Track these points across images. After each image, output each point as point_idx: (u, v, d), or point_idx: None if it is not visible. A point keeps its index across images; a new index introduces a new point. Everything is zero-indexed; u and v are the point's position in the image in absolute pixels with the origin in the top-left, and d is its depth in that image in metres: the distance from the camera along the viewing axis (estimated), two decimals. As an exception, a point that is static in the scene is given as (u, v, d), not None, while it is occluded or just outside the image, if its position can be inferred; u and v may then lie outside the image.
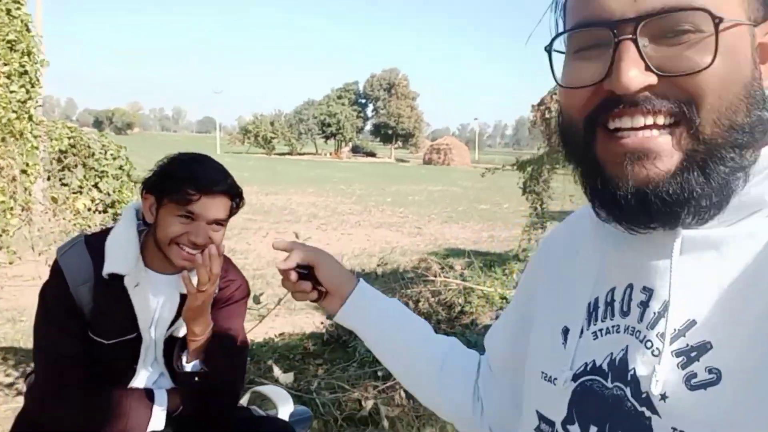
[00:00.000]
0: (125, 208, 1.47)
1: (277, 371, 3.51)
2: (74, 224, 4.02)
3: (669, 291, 0.55)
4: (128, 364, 1.45)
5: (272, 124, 64.44)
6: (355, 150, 73.41)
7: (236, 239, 9.96)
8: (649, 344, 0.56)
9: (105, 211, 4.21)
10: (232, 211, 1.43)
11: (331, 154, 66.54)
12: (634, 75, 0.51)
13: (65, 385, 1.38)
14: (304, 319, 5.55)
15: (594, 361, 0.62)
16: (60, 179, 4.20)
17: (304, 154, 66.40)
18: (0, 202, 3.33)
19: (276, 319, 5.53)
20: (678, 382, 0.53)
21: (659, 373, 0.53)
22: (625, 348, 0.59)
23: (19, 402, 2.24)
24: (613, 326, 0.62)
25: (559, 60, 0.61)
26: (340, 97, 71.33)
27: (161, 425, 1.41)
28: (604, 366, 0.61)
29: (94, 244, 1.40)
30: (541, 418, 0.69)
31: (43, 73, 3.84)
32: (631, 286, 0.60)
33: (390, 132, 70.72)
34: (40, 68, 3.67)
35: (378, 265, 6.00)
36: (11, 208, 3.52)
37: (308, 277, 0.91)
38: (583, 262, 0.69)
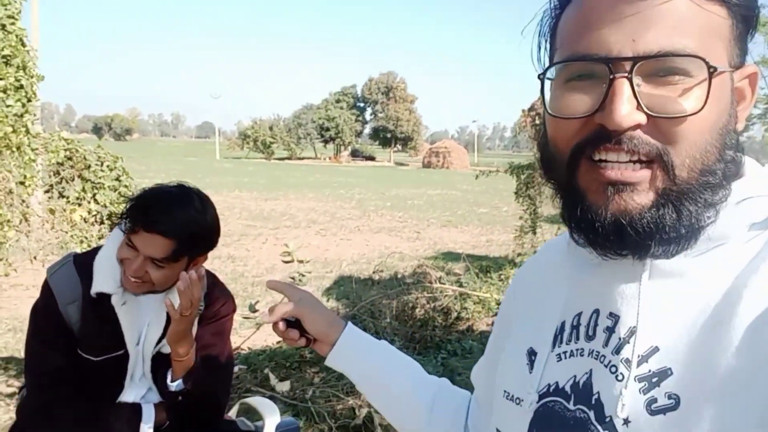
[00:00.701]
0: (114, 229, 1.51)
1: (273, 379, 3.53)
2: (71, 236, 4.04)
3: (637, 317, 0.57)
4: (116, 380, 1.49)
5: (271, 128, 64.40)
6: (355, 154, 73.43)
7: (235, 246, 9.97)
8: (613, 369, 0.58)
9: (102, 223, 4.24)
10: (180, 257, 1.40)
11: (330, 158, 66.55)
12: (627, 113, 0.52)
13: (54, 400, 1.41)
14: (302, 326, 5.57)
15: (557, 382, 0.64)
16: (58, 191, 4.23)
17: (303, 158, 66.40)
18: (-3, 215, 3.35)
19: (274, 326, 5.55)
20: (640, 407, 0.54)
21: (625, 397, 0.55)
22: (589, 372, 0.61)
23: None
24: (577, 349, 0.63)
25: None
26: (338, 101, 71.34)
27: None
28: (567, 388, 0.63)
29: (83, 263, 1.44)
30: None
31: (38, 86, 3.87)
32: (597, 312, 0.62)
33: (389, 135, 70.72)
34: (35, 82, 3.70)
35: (374, 272, 6.02)
36: (8, 221, 3.55)
37: (296, 324, 0.93)
38: (552, 287, 0.71)
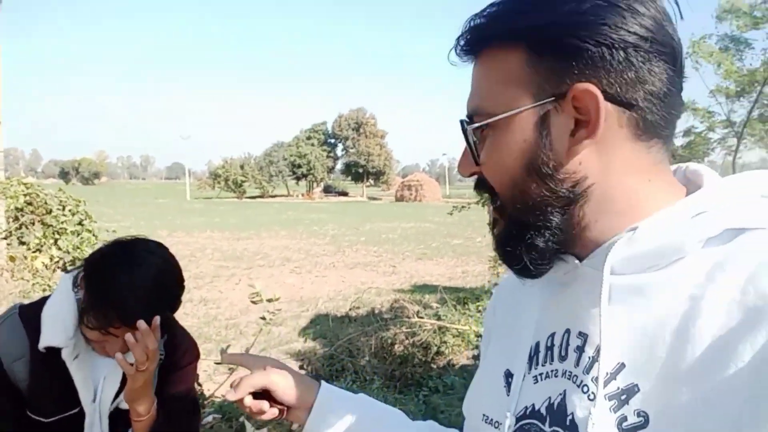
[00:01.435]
0: (62, 277, 1.40)
1: (249, 428, 3.38)
2: (33, 284, 3.87)
3: (600, 335, 0.57)
4: None
5: (242, 167, 64.20)
6: (327, 190, 73.58)
7: (208, 287, 9.77)
8: (585, 388, 0.58)
9: (65, 269, 4.07)
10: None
11: (303, 195, 66.47)
12: (463, 165, 0.66)
13: None
14: (278, 368, 5.41)
15: (533, 404, 0.64)
16: (18, 238, 4.06)
17: (275, 196, 66.19)
18: (-47, 266, 3.19)
19: (250, 369, 5.38)
20: (611, 426, 0.55)
21: (595, 416, 0.55)
22: (563, 392, 0.61)
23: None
24: (552, 370, 0.64)
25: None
26: (309, 138, 71.76)
27: None
28: (542, 410, 0.63)
29: (29, 316, 1.33)
30: None
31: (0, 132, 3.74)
32: (568, 332, 0.63)
33: (360, 170, 71.22)
34: (-5, 127, 3.58)
35: (350, 309, 5.93)
36: (-35, 271, 3.37)
37: (264, 395, 0.86)
38: (525, 307, 0.72)
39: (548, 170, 0.59)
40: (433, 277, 10.72)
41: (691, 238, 0.56)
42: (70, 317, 1.30)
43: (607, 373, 0.56)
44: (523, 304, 0.73)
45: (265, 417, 0.87)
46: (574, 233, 0.61)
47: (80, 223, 4.17)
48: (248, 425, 3.37)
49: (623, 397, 0.55)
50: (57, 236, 4.01)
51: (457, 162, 0.67)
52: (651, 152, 0.59)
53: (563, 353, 0.63)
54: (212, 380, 4.65)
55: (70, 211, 4.10)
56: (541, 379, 0.65)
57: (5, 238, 4.13)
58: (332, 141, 74.22)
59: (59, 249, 4.01)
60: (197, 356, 1.55)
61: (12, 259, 4.02)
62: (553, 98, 0.58)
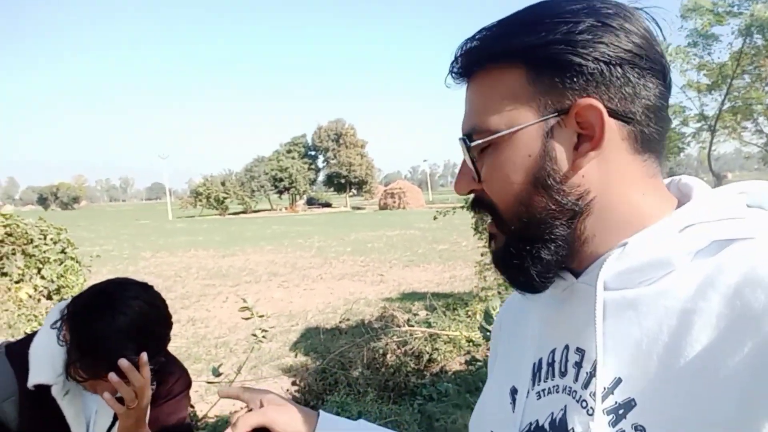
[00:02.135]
0: (49, 312, 1.39)
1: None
2: (18, 315, 3.81)
3: (596, 350, 0.58)
4: None
5: (223, 184, 63.80)
6: (310, 202, 73.35)
7: (195, 307, 9.69)
8: (584, 404, 0.59)
9: (50, 298, 4.02)
10: None
11: (286, 208, 66.18)
12: (461, 183, 0.67)
13: None
14: (272, 385, 5.38)
15: (537, 420, 0.65)
16: (-1, 269, 4.00)
17: (258, 211, 65.79)
18: (-66, 301, 3.13)
19: (242, 388, 5.34)
20: None
21: (593, 431, 0.56)
22: (564, 408, 0.62)
23: None
24: (553, 386, 0.65)
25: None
26: (289, 151, 71.49)
27: None
28: (546, 426, 0.63)
29: (16, 353, 1.31)
30: None
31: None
32: (567, 347, 0.64)
33: (343, 181, 71.11)
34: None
35: (340, 322, 5.91)
36: (-53, 306, 3.32)
37: (262, 430, 0.84)
38: (527, 323, 0.73)
39: (554, 183, 0.60)
40: (421, 284, 10.75)
41: (679, 251, 0.57)
42: (58, 353, 1.28)
43: (604, 388, 0.57)
44: (526, 320, 0.74)
45: None
46: (575, 247, 0.62)
47: (63, 251, 4.12)
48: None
49: (621, 412, 0.56)
50: (40, 266, 3.96)
51: (454, 182, 0.68)
52: (646, 165, 0.61)
53: (563, 369, 0.64)
54: (204, 401, 4.60)
55: (51, 239, 4.05)
56: (544, 395, 0.65)
57: (-14, 271, 4.07)
58: (313, 153, 74.01)
59: (43, 278, 3.96)
60: (189, 384, 1.53)
61: (-5, 290, 3.96)
62: (556, 114, 0.60)
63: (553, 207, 0.60)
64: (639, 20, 0.60)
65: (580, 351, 0.62)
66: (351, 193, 74.23)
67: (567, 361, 0.64)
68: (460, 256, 14.26)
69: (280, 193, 70.99)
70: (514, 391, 0.70)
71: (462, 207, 7.06)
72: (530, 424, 0.66)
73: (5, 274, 3.98)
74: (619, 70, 0.58)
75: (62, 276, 4.01)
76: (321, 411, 0.91)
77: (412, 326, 5.10)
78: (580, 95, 0.59)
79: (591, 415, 0.57)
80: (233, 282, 12.28)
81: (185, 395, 1.51)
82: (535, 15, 0.61)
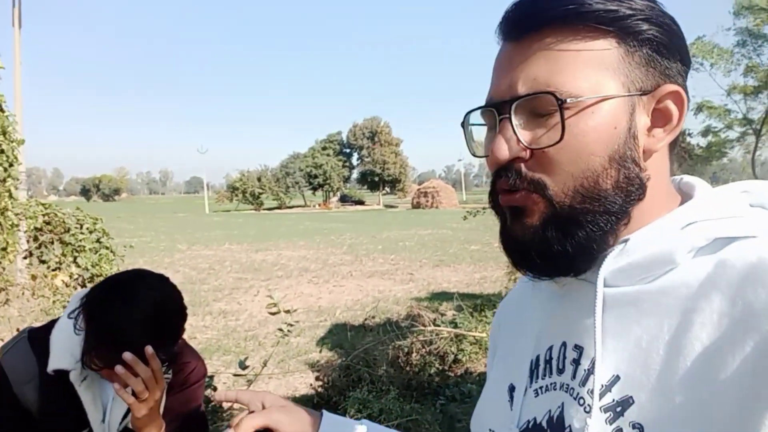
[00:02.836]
0: (71, 298, 1.43)
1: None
2: (54, 301, 3.95)
3: (594, 347, 0.58)
4: None
5: (259, 179, 64.72)
6: (344, 199, 73.74)
7: (227, 300, 9.85)
8: (581, 401, 0.59)
9: (84, 286, 4.15)
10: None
11: (319, 205, 66.75)
12: (504, 149, 0.59)
13: None
14: (298, 379, 5.44)
15: (535, 418, 0.65)
16: (38, 257, 4.15)
17: (293, 207, 66.56)
18: (-24, 285, 3.27)
19: (270, 381, 5.41)
20: None
21: (591, 428, 0.56)
22: (561, 405, 0.61)
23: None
24: (551, 384, 0.64)
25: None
26: (324, 148, 72.11)
27: None
28: (544, 423, 0.63)
29: (39, 339, 1.35)
30: None
31: (20, 151, 3.84)
32: (565, 344, 0.64)
33: (376, 179, 71.32)
34: (16, 146, 3.67)
35: (366, 320, 5.92)
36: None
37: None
38: (526, 320, 0.73)
39: (630, 161, 0.59)
40: (450, 284, 10.68)
41: (681, 248, 0.56)
42: (78, 340, 1.31)
43: (602, 386, 0.57)
44: (525, 317, 0.73)
45: None
46: (613, 231, 0.60)
47: (98, 241, 4.25)
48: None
49: (618, 410, 0.55)
50: (76, 254, 4.10)
51: (492, 146, 0.60)
52: (671, 161, 0.63)
53: (561, 366, 0.63)
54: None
55: (87, 229, 4.18)
56: (542, 393, 0.65)
57: (26, 258, 4.22)
58: (347, 150, 74.49)
59: (78, 266, 4.10)
60: (205, 374, 1.56)
61: (33, 277, 4.11)
62: (640, 92, 0.59)
63: (623, 185, 0.58)
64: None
65: (579, 348, 0.61)
66: (384, 192, 74.38)
67: (565, 358, 0.63)
68: (491, 257, 14.12)
69: (315, 189, 71.63)
70: (512, 389, 0.70)
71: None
72: (528, 422, 0.65)
73: (43, 262, 4.14)
74: (685, 69, 0.62)
75: (97, 264, 4.13)
76: (324, 411, 0.91)
77: (438, 326, 5.08)
78: (666, 80, 0.59)
79: (588, 412, 0.57)
80: (265, 276, 12.44)
81: (200, 385, 1.54)
82: None
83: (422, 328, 4.95)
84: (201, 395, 1.55)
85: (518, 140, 0.59)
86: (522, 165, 0.60)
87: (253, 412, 0.87)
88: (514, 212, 0.61)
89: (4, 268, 3.71)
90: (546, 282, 0.65)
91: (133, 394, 1.25)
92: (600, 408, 0.56)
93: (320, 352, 6.15)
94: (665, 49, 0.59)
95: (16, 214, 3.70)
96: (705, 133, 9.77)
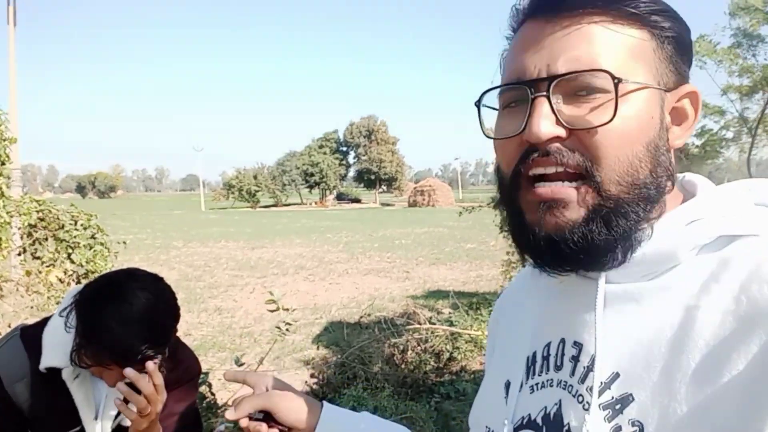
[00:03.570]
0: (65, 296, 1.42)
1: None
2: (48, 297, 3.94)
3: (594, 344, 0.57)
4: None
5: (255, 177, 64.56)
6: (340, 197, 73.68)
7: (222, 297, 9.85)
8: (580, 398, 0.58)
9: (79, 282, 4.13)
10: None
11: (316, 203, 66.66)
12: (544, 126, 0.55)
13: None
14: (293, 376, 5.43)
15: (530, 414, 0.64)
16: (32, 253, 4.14)
17: (289, 204, 66.47)
18: (-31, 281, 3.26)
19: (264, 378, 5.40)
20: None
21: (589, 425, 0.55)
22: (558, 402, 0.61)
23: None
24: (547, 380, 0.64)
25: (491, 114, 0.66)
26: (321, 147, 71.96)
27: None
28: (538, 420, 0.63)
29: (31, 336, 1.34)
30: None
31: (12, 149, 3.83)
32: (563, 341, 0.63)
33: (373, 177, 71.24)
34: (8, 145, 3.66)
35: (361, 317, 5.92)
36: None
37: (265, 415, 0.85)
38: (523, 317, 0.72)
39: (663, 153, 0.58)
40: (446, 282, 10.69)
41: (684, 245, 0.56)
42: (70, 338, 1.30)
43: (601, 383, 0.56)
44: (522, 314, 0.73)
45: None
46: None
47: (93, 237, 4.25)
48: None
49: (618, 407, 0.55)
50: (70, 250, 4.09)
51: (532, 123, 0.56)
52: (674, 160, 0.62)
53: (558, 363, 0.63)
54: (226, 389, 4.67)
55: (82, 225, 4.18)
56: (537, 389, 0.65)
57: (20, 254, 4.21)
58: (344, 149, 74.33)
59: (73, 263, 4.09)
60: (199, 372, 1.55)
61: (27, 273, 4.10)
62: (666, 88, 0.59)
63: (657, 174, 0.57)
64: None
65: (578, 345, 0.61)
66: (381, 190, 74.31)
67: (563, 355, 0.62)
68: (487, 255, 14.14)
69: (311, 187, 71.54)
70: (507, 385, 0.70)
71: (488, 205, 7.00)
72: (522, 418, 0.65)
73: (37, 258, 4.12)
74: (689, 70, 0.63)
75: (91, 261, 4.13)
76: (325, 402, 0.91)
77: (434, 324, 5.08)
78: (683, 80, 0.60)
79: (587, 410, 0.56)
80: (261, 274, 12.43)
81: (195, 383, 1.54)
82: None
83: (418, 326, 4.95)
84: (195, 393, 1.55)
85: (557, 119, 0.56)
86: (561, 145, 0.57)
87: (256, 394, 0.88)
88: (550, 204, 0.57)
89: (-3, 265, 3.69)
90: (545, 278, 0.63)
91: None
92: (599, 405, 0.56)
93: (316, 349, 6.15)
94: (683, 49, 0.60)
95: (8, 212, 3.70)
96: (701, 133, 9.76)
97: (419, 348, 4.67)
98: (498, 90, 0.64)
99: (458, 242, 17.96)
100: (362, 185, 76.65)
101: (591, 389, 0.56)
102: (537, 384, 0.65)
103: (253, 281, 11.43)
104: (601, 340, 0.57)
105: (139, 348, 1.21)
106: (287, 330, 4.21)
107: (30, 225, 4.09)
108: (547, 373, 0.64)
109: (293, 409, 0.86)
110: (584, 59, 0.55)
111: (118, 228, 21.08)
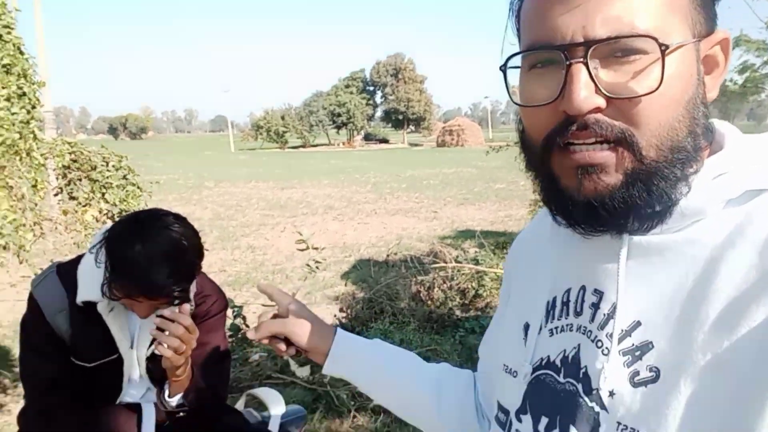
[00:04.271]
0: (96, 233, 1.48)
1: (293, 365, 3.54)
2: (85, 235, 4.10)
3: (617, 293, 0.58)
4: (114, 383, 1.48)
5: (283, 118, 64.45)
6: (368, 138, 73.28)
7: (254, 235, 10.06)
8: (599, 343, 0.60)
9: (114, 221, 4.28)
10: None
11: (343, 143, 66.55)
12: (585, 97, 0.52)
13: (53, 406, 1.41)
14: (324, 309, 5.60)
15: (549, 356, 0.66)
16: (68, 193, 4.28)
17: (317, 145, 66.46)
18: (12, 220, 3.39)
19: (296, 313, 5.59)
20: (623, 380, 0.57)
21: (608, 370, 0.57)
22: (577, 346, 0.63)
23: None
24: (567, 325, 0.65)
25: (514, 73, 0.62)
26: (347, 87, 71.10)
27: None
28: (557, 362, 0.65)
29: (67, 272, 1.43)
30: (500, 407, 0.74)
31: (41, 93, 3.89)
32: (584, 288, 0.64)
33: (401, 117, 70.40)
34: (37, 89, 3.72)
35: (388, 256, 6.00)
36: (23, 225, 3.59)
37: (285, 338, 0.94)
38: (543, 261, 0.73)
39: (699, 111, 0.56)
40: (474, 222, 10.69)
41: (711, 199, 0.56)
42: (101, 274, 1.37)
43: (622, 330, 0.58)
44: (542, 257, 0.73)
45: (284, 354, 0.94)
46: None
47: (125, 177, 4.36)
48: (292, 362, 3.52)
49: (637, 353, 0.56)
50: (104, 190, 4.23)
51: (576, 94, 0.52)
52: None
53: (578, 309, 0.64)
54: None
55: (113, 166, 4.29)
56: (557, 333, 0.66)
57: (56, 195, 4.36)
58: (371, 88, 73.32)
59: (107, 202, 4.24)
60: (226, 306, 1.64)
61: (65, 212, 4.25)
62: (700, 38, 0.56)
63: (695, 130, 0.55)
64: None
65: (598, 292, 0.62)
66: (409, 130, 73.55)
67: (583, 301, 0.63)
68: (517, 195, 14.02)
69: (338, 128, 71.21)
70: (526, 327, 0.71)
71: (516, 143, 6.89)
72: (541, 359, 0.67)
73: (74, 198, 4.27)
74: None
75: (124, 200, 4.26)
76: (338, 327, 0.97)
77: (460, 263, 5.13)
78: (715, 25, 0.58)
79: (606, 354, 0.58)
80: (291, 213, 12.61)
81: (222, 315, 1.62)
82: None
83: (444, 264, 5.01)
84: (222, 325, 1.63)
85: (597, 88, 0.53)
86: (601, 116, 0.54)
87: (276, 316, 0.95)
88: (587, 169, 0.55)
89: (36, 204, 3.83)
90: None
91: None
92: (618, 351, 0.57)
93: (345, 285, 6.30)
94: None
95: (42, 154, 3.80)
96: (742, 69, 9.28)
97: (445, 285, 4.74)
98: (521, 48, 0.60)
99: (487, 182, 17.82)
100: (390, 125, 75.97)
101: (611, 336, 0.58)
102: (556, 327, 0.66)
103: (284, 221, 11.61)
104: (624, 289, 0.58)
105: (164, 282, 1.27)
106: (317, 268, 4.33)
107: (64, 166, 4.21)
108: (567, 318, 0.65)
109: (307, 335, 0.92)
110: (625, 21, 0.51)
111: (152, 168, 21.47)
